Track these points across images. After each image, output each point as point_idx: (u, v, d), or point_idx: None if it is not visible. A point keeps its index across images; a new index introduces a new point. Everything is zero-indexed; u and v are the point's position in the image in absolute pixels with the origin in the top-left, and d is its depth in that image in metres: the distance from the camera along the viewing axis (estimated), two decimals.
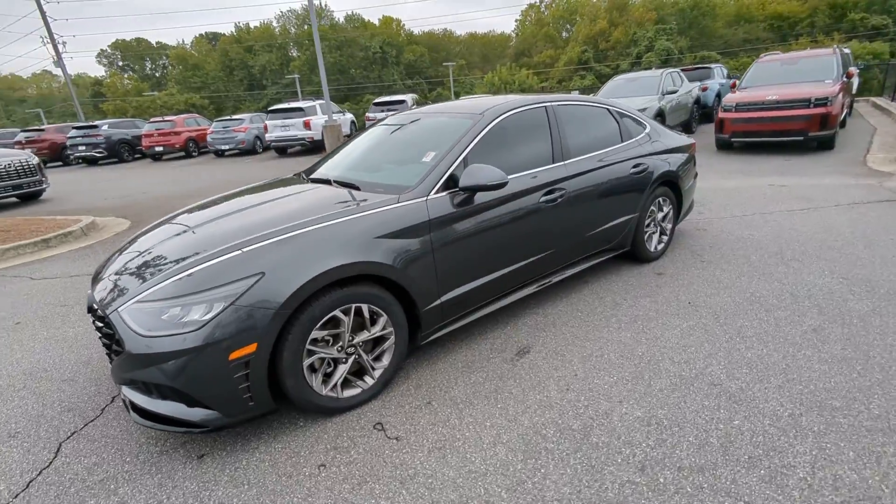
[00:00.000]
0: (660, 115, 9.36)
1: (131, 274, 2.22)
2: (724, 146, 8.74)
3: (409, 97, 17.15)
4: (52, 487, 1.95)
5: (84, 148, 18.23)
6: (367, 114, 16.89)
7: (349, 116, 18.80)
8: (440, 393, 2.42)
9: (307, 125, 15.15)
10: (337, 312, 2.15)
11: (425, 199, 2.47)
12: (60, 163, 19.47)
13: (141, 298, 1.97)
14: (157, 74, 74.60)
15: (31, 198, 10.19)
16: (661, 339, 2.77)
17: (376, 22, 61.20)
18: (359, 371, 2.38)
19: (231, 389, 1.93)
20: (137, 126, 19.82)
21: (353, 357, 2.29)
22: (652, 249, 3.91)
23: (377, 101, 16.76)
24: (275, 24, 66.41)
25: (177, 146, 17.81)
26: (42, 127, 21.26)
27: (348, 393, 2.30)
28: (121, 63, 74.98)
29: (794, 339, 2.65)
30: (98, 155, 18.20)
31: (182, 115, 19.27)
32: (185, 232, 2.48)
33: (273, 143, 15.64)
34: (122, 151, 18.72)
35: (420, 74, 54.59)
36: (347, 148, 3.57)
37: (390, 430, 2.17)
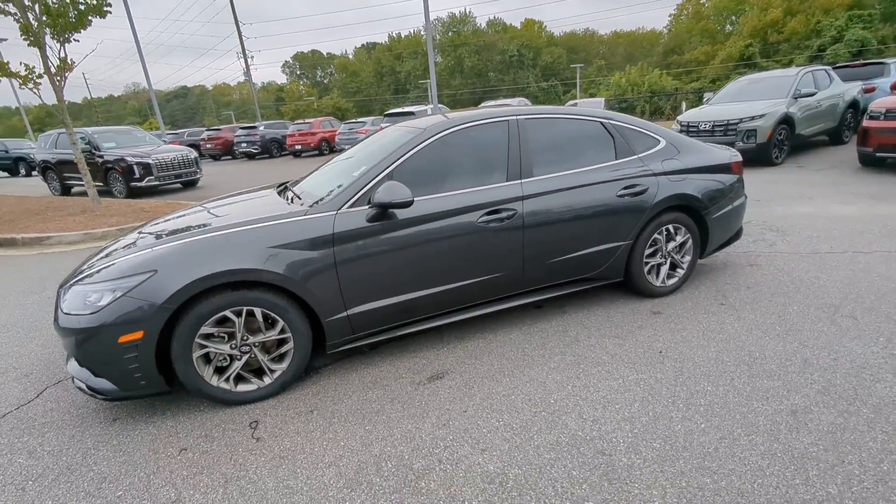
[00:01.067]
0: (785, 123, 7.84)
1: (97, 262, 2.67)
2: (869, 162, 6.99)
3: (515, 100, 16.80)
4: (23, 419, 2.48)
5: (245, 145, 21.71)
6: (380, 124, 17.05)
7: None
8: (329, 404, 2.46)
9: None
10: (228, 313, 2.33)
11: (335, 212, 2.51)
12: (230, 156, 23.45)
13: (78, 281, 2.38)
14: (325, 81, 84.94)
15: (189, 184, 12.49)
16: (590, 388, 2.42)
17: (518, 25, 61.40)
18: (259, 370, 2.54)
19: (122, 368, 2.23)
20: (286, 127, 22.91)
21: (247, 355, 2.45)
22: (657, 283, 3.38)
23: (389, 112, 16.89)
24: (423, 32, 70.99)
25: (312, 145, 20.19)
26: (219, 127, 25.83)
27: (242, 388, 2.48)
28: (298, 72, 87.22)
29: (752, 420, 2.10)
30: (254, 151, 21.53)
31: (319, 119, 21.75)
32: (151, 232, 2.88)
33: None
34: (273, 148, 21.84)
35: (557, 76, 53.30)
36: (340, 157, 3.75)
37: (260, 431, 2.28)
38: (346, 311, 2.56)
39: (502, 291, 2.98)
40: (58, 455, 2.20)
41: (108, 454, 2.18)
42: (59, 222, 7.66)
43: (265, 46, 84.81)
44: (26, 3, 8.18)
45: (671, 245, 3.37)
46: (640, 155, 3.24)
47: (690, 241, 3.40)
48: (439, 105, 18.06)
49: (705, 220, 3.39)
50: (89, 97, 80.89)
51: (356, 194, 2.57)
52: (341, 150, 18.82)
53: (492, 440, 2.09)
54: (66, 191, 12.36)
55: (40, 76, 8.42)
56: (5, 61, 8.50)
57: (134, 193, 10.96)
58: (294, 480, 1.94)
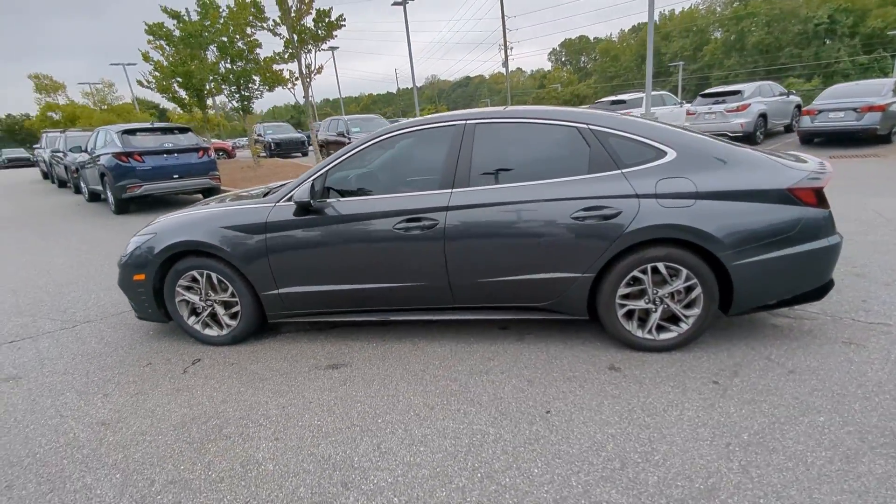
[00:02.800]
0: None
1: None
2: None
3: (750, 86, 12.99)
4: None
5: None
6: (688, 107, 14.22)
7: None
8: (240, 362, 2.94)
9: (742, 109, 11.79)
10: (195, 273, 3.06)
11: (273, 205, 2.92)
12: None
13: (134, 234, 3.46)
14: (587, 67, 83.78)
15: None
16: (416, 418, 2.22)
17: None
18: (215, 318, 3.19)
19: (137, 299, 3.22)
20: None
21: (210, 308, 3.15)
22: (640, 334, 2.64)
23: (706, 92, 13.61)
24: (701, 7, 61.95)
25: None
26: None
27: (207, 331, 3.19)
28: (563, 59, 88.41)
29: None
30: None
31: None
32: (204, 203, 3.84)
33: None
34: None
35: (888, 46, 38.90)
36: None
37: (196, 367, 2.94)
38: (277, 290, 2.98)
39: (431, 302, 2.88)
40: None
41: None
42: None
43: (538, 34, 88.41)
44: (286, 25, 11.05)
45: (667, 289, 2.55)
46: (627, 170, 2.54)
47: (700, 290, 2.51)
48: (663, 93, 15.89)
49: (724, 265, 2.44)
50: (396, 89, 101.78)
51: (292, 190, 2.92)
52: None
53: (293, 432, 2.22)
54: None
55: (296, 79, 11.34)
56: (280, 71, 11.73)
57: None
58: (151, 415, 2.52)
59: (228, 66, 13.47)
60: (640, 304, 2.62)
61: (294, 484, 1.89)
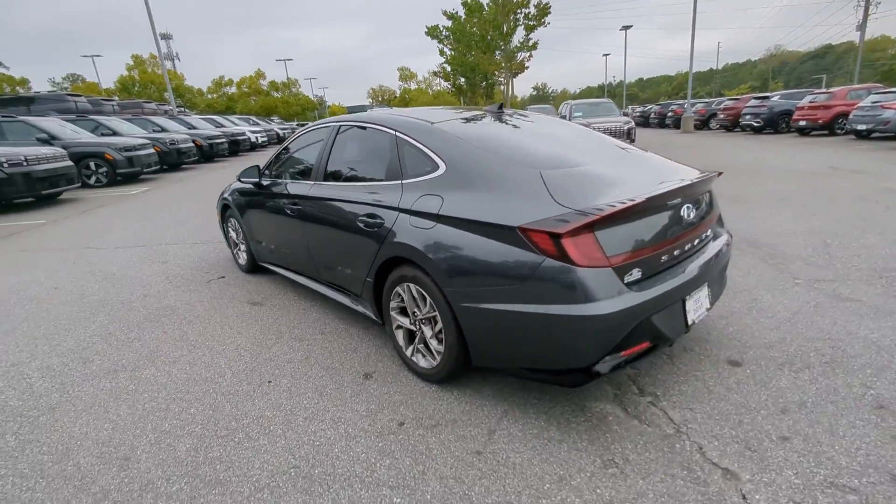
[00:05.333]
0: None
1: None
2: None
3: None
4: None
5: (750, 117, 19.33)
6: None
7: None
8: (214, 298, 4.16)
9: None
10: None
11: (258, 179, 3.88)
12: (739, 129, 21.19)
13: None
14: None
15: None
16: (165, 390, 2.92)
17: None
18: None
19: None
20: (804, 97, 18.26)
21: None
22: (408, 353, 2.56)
23: None
24: None
25: (820, 122, 15.52)
26: (737, 97, 23.68)
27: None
28: None
29: None
30: (755, 125, 18.88)
31: (849, 87, 15.88)
32: None
33: None
34: (779, 122, 18.31)
35: None
36: None
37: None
38: (253, 241, 4.07)
39: (313, 273, 3.39)
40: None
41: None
42: None
43: None
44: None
45: (423, 312, 2.40)
46: (406, 181, 2.44)
47: (441, 324, 2.26)
48: None
49: (450, 303, 2.14)
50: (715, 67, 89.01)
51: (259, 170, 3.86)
52: (860, 132, 13.55)
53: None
54: None
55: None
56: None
57: None
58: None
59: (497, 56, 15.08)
60: (406, 322, 2.53)
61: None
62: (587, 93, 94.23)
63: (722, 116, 22.28)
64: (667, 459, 1.88)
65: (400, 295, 2.51)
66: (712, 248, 2.43)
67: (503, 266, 1.95)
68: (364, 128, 2.94)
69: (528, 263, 1.88)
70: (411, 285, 2.38)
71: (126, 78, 42.31)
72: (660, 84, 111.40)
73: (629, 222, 1.94)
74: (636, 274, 1.96)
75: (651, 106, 35.84)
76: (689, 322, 2.19)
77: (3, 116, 10.53)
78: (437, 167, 2.34)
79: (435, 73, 16.77)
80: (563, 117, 14.92)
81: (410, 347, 2.56)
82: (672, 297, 2.04)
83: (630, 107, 43.33)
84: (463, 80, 16.03)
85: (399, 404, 2.33)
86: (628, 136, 13.14)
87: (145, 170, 12.14)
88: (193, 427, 2.25)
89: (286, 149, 3.71)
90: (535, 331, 1.92)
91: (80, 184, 9.98)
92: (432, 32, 15.40)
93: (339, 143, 3.08)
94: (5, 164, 8.01)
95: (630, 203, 1.87)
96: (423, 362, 2.49)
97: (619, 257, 1.88)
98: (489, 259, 1.99)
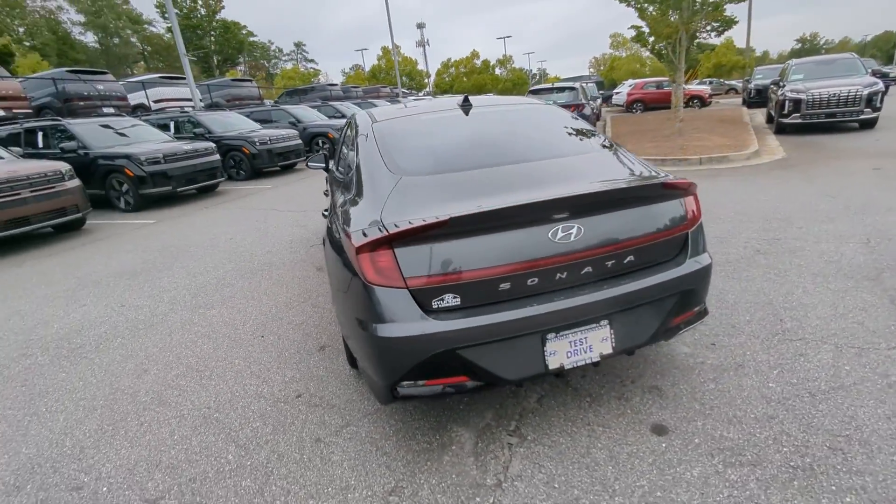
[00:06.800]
0: None
1: None
2: None
3: None
4: None
5: None
6: None
7: None
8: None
9: None
10: None
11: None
12: None
13: None
14: None
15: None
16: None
17: None
18: None
19: None
20: None
21: None
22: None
23: None
24: None
25: None
26: None
27: None
28: None
29: None
30: None
31: None
32: None
33: None
34: None
35: None
36: None
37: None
38: None
39: None
40: None
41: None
42: None
43: None
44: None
45: None
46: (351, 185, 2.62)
47: None
48: None
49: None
50: None
51: None
52: None
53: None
54: None
55: None
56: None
57: (780, 129, 10.52)
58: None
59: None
60: None
61: None
62: (882, 39, 66.60)
63: None
64: (462, 502, 1.71)
65: None
66: (630, 282, 1.89)
67: (344, 273, 2.01)
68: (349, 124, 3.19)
69: (349, 273, 1.91)
70: None
71: (376, 67, 50.51)
72: None
73: (442, 241, 1.74)
74: (451, 300, 1.76)
75: None
76: (554, 366, 1.82)
77: (272, 105, 14.21)
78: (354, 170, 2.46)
79: (634, 39, 14.66)
80: (777, 83, 11.38)
81: None
82: (505, 332, 1.75)
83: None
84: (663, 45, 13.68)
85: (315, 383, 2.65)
86: (869, 103, 9.29)
87: None
88: (189, 360, 3.04)
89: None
90: (356, 343, 1.96)
91: (305, 157, 12.85)
92: None
93: (345, 142, 3.41)
94: (257, 143, 10.95)
95: (433, 221, 1.69)
96: None
97: (420, 279, 1.74)
98: (342, 259, 2.07)
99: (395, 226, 1.74)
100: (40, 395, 2.79)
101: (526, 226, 1.79)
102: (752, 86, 17.84)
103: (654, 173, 2.18)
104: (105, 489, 1.99)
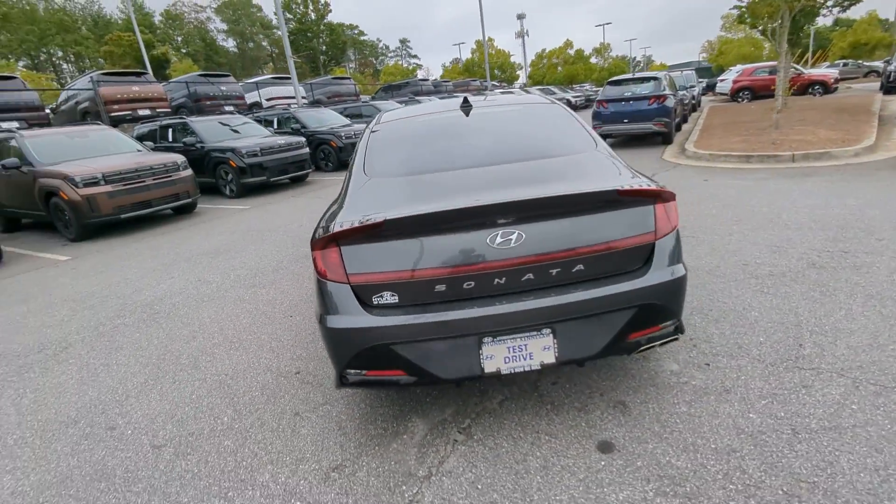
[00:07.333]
0: None
1: None
2: None
3: None
4: None
5: None
6: None
7: None
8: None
9: None
10: None
11: None
12: None
13: None
14: None
15: None
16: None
17: None
18: None
19: None
20: None
21: None
22: None
23: None
24: None
25: None
26: None
27: None
28: None
29: None
30: None
31: None
32: None
33: None
34: None
35: None
36: None
37: None
38: None
39: None
40: None
41: None
42: None
43: None
44: None
45: None
46: None
47: None
48: None
49: None
50: None
51: None
52: None
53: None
54: None
55: None
56: None
57: None
58: None
59: None
60: None
61: None
62: None
63: None
64: (390, 488, 1.84)
65: None
66: (576, 292, 1.83)
67: None
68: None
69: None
70: None
71: (469, 60, 50.70)
72: None
73: (382, 241, 1.85)
74: (389, 297, 1.87)
75: None
76: (490, 370, 1.85)
77: (363, 101, 15.09)
78: None
79: (738, 21, 12.78)
80: None
81: None
82: (439, 332, 1.82)
83: None
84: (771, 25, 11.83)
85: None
86: None
87: None
88: (228, 331, 3.50)
89: None
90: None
91: None
92: None
93: None
94: (343, 137, 11.77)
95: (369, 222, 1.81)
96: None
97: (360, 276, 1.88)
98: None
99: (341, 225, 1.89)
100: (117, 349, 3.43)
101: (465, 230, 1.83)
102: (892, 67, 14.75)
103: (631, 178, 2.06)
104: (130, 432, 2.44)
